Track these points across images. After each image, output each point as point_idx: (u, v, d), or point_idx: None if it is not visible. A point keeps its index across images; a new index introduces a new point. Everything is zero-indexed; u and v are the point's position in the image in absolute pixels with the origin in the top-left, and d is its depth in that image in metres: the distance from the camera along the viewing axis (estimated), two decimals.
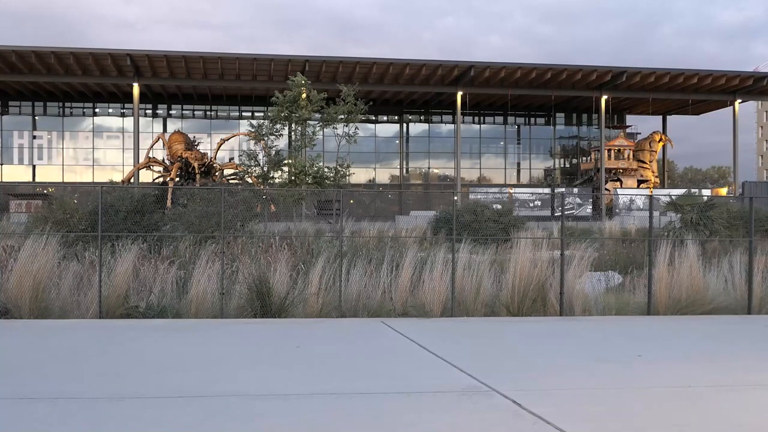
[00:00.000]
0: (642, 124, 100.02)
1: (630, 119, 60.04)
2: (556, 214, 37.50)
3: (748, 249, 9.13)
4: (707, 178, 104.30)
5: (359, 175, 47.89)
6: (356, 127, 32.19)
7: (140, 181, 40.98)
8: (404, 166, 56.19)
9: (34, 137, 51.42)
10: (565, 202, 41.25)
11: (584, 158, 57.20)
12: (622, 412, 3.95)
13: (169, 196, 23.64)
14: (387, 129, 56.08)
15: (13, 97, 50.15)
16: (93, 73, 43.63)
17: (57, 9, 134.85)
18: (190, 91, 48.98)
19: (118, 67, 42.77)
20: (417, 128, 56.62)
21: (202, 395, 4.14)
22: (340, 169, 30.83)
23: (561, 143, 58.27)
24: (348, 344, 6.10)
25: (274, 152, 31.47)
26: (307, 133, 31.51)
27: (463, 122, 51.60)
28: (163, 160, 37.59)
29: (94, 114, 52.53)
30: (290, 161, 31.22)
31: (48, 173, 50.91)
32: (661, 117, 58.08)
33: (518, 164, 57.85)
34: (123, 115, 51.78)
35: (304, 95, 30.38)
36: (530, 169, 57.76)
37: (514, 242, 9.10)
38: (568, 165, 58.90)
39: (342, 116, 31.08)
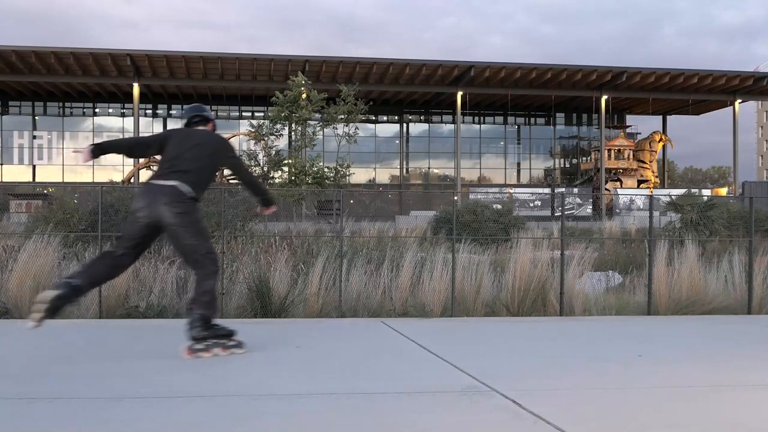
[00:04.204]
0: (642, 124, 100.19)
1: (630, 119, 60.09)
2: (556, 214, 37.49)
3: (748, 249, 9.12)
4: (707, 178, 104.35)
5: (359, 175, 47.92)
6: (356, 127, 32.21)
7: (140, 181, 41.04)
8: (404, 166, 56.17)
9: (34, 137, 51.44)
10: (565, 202, 41.28)
11: (584, 158, 57.22)
12: (622, 412, 3.95)
13: None
14: (387, 129, 56.10)
15: (13, 97, 50.17)
16: (93, 73, 43.65)
17: (57, 9, 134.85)
18: (190, 91, 48.99)
19: (118, 67, 42.78)
20: (417, 128, 56.63)
21: (202, 395, 4.14)
22: (340, 169, 30.85)
23: (561, 143, 58.28)
24: (348, 344, 6.10)
25: (274, 152, 31.47)
26: (307, 133, 31.52)
27: (463, 122, 51.61)
28: None
29: (94, 114, 52.55)
30: (290, 161, 31.22)
31: (48, 173, 50.95)
32: (661, 117, 58.12)
33: (518, 164, 57.84)
34: (123, 115, 51.78)
35: (304, 95, 30.39)
36: (530, 169, 57.78)
37: (514, 242, 9.10)
38: (568, 165, 58.91)
39: (342, 116, 31.08)
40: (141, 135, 44.49)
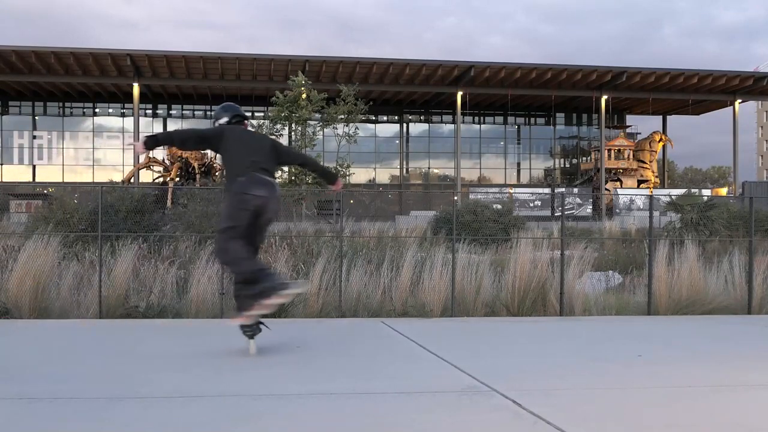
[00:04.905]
0: (642, 124, 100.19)
1: (630, 119, 60.01)
2: (556, 214, 37.49)
3: (748, 249, 9.12)
4: (707, 178, 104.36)
5: (359, 175, 47.86)
6: (356, 127, 32.19)
7: (140, 181, 41.00)
8: (404, 166, 56.11)
9: (34, 137, 51.39)
10: (565, 202, 41.27)
11: (584, 158, 57.17)
12: (622, 412, 3.95)
13: (170, 196, 23.65)
14: (387, 129, 56.05)
15: (13, 97, 50.11)
16: (93, 73, 43.62)
17: (57, 9, 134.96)
18: (190, 91, 48.96)
19: (118, 67, 42.74)
20: (417, 128, 56.56)
21: (202, 395, 4.14)
22: (340, 169, 30.82)
23: (561, 143, 58.22)
24: (348, 344, 6.10)
25: None
26: (307, 133, 31.50)
27: (463, 122, 51.57)
28: (163, 160, 37.60)
29: (94, 114, 52.47)
30: None
31: (48, 173, 50.88)
32: (661, 117, 58.05)
33: (518, 164, 57.77)
34: (123, 115, 51.72)
35: (304, 95, 30.37)
36: (530, 169, 57.73)
37: (514, 242, 9.09)
38: (568, 165, 58.85)
39: (342, 116, 31.06)
40: (140, 135, 44.50)
